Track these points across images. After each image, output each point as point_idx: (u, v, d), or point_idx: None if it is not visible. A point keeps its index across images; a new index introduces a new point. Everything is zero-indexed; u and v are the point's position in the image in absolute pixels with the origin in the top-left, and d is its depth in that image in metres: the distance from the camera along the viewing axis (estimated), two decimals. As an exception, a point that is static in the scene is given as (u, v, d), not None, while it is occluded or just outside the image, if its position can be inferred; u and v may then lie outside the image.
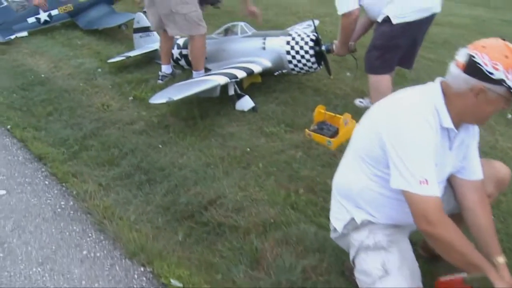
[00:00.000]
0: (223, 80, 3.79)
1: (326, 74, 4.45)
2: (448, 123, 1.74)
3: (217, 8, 4.63)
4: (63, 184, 2.93)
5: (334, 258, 2.33)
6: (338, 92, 4.56)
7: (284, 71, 4.30)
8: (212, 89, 3.76)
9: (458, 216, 1.91)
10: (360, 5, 3.49)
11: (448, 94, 1.74)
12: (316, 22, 5.58)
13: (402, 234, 1.96)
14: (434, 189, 1.65)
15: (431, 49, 6.01)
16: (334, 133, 3.59)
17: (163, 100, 3.40)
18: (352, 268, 1.93)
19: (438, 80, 1.81)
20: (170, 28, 4.23)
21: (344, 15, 3.48)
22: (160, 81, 4.70)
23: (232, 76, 3.88)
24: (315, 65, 4.18)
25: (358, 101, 4.29)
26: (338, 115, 3.68)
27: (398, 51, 3.50)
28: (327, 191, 2.94)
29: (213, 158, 3.26)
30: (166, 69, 4.71)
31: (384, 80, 3.58)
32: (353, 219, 1.97)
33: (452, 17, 8.01)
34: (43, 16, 6.58)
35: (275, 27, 6.87)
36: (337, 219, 2.08)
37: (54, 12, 6.66)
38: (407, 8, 3.31)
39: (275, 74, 4.38)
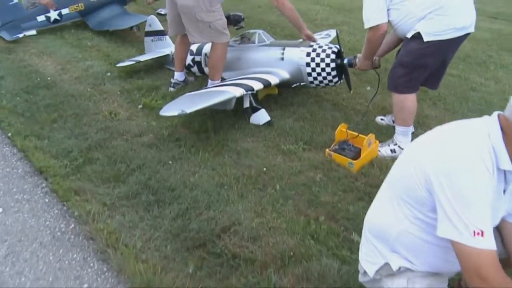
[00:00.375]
0: (238, 91, 3.57)
1: (345, 87, 4.22)
2: (507, 165, 1.51)
3: (240, 28, 4.38)
4: (64, 203, 2.70)
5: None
6: (358, 108, 4.32)
7: (302, 83, 4.06)
8: (227, 101, 3.53)
9: (505, 262, 1.68)
10: (389, 21, 3.25)
11: (507, 130, 1.51)
12: (334, 32, 5.38)
13: (442, 283, 1.74)
14: (490, 242, 1.45)
15: (452, 64, 5.75)
16: (356, 154, 3.36)
17: (175, 113, 3.17)
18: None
19: (495, 114, 1.59)
20: (192, 35, 4.03)
21: (371, 28, 3.25)
22: (172, 89, 4.48)
23: (248, 88, 3.65)
24: (336, 79, 3.95)
25: (379, 119, 4.06)
26: (361, 135, 3.44)
27: (425, 70, 3.27)
28: (349, 219, 2.74)
29: (227, 178, 3.03)
30: (179, 76, 4.50)
31: (409, 99, 3.35)
32: (387, 264, 1.77)
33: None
34: (53, 14, 6.38)
35: (291, 35, 6.66)
36: (369, 262, 1.86)
37: (65, 11, 6.46)
38: (442, 25, 3.07)
39: (293, 86, 4.14)
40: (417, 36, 3.12)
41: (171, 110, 3.25)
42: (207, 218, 2.61)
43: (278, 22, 7.43)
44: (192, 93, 3.78)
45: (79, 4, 6.51)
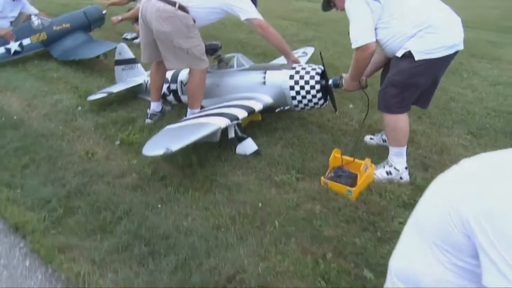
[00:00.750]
0: (223, 122, 3.38)
1: (329, 107, 4.09)
2: None
3: (218, 57, 4.19)
4: (49, 264, 2.42)
5: None
6: (344, 128, 4.21)
7: (286, 107, 3.91)
8: (212, 133, 3.33)
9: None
10: (376, 40, 3.15)
11: None
12: (311, 49, 5.28)
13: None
14: None
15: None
16: (353, 181, 3.23)
17: (160, 152, 2.95)
18: None
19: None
20: (169, 61, 3.83)
21: (359, 48, 3.14)
22: (149, 120, 4.25)
23: (232, 117, 3.47)
24: (322, 101, 3.82)
25: (368, 138, 3.96)
26: (357, 160, 3.31)
27: (417, 89, 3.18)
28: (357, 254, 2.59)
29: (222, 219, 2.83)
30: (155, 106, 4.27)
31: (401, 119, 3.25)
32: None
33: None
34: (13, 46, 6.06)
35: (264, 53, 6.56)
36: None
37: (26, 41, 6.15)
38: (432, 44, 2.99)
39: (276, 111, 3.98)
40: (408, 55, 3.03)
41: (154, 148, 3.03)
42: (209, 268, 2.40)
43: (248, 41, 7.31)
44: (173, 126, 3.57)
45: (41, 34, 6.21)
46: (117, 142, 3.83)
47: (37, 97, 4.87)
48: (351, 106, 4.68)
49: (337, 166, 3.36)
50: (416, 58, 3.01)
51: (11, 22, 6.49)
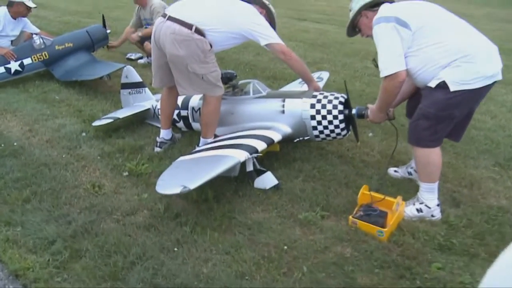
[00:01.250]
0: (242, 155, 3.13)
1: (348, 136, 3.83)
2: None
3: (232, 84, 3.96)
4: (54, 321, 2.14)
5: None
6: (366, 159, 3.97)
7: (306, 138, 3.66)
8: (231, 168, 3.08)
9: None
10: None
11: None
12: (326, 74, 5.07)
13: None
14: None
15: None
16: (383, 220, 2.97)
17: (176, 190, 2.68)
18: None
19: None
20: (182, 87, 3.58)
21: (388, 77, 2.92)
22: (158, 149, 3.99)
23: (251, 150, 3.23)
24: (344, 132, 3.59)
25: (392, 171, 3.72)
26: (388, 198, 3.07)
27: (451, 122, 2.96)
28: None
29: (246, 265, 2.57)
30: (165, 134, 4.02)
31: (434, 153, 3.02)
32: None
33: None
34: (14, 65, 5.81)
35: (274, 76, 6.36)
36: None
37: (27, 61, 5.90)
38: (470, 74, 2.78)
39: (295, 141, 3.74)
40: (442, 85, 2.82)
41: (170, 186, 2.77)
42: (236, 327, 2.12)
43: (256, 63, 7.11)
44: (187, 157, 3.31)
45: (43, 53, 5.97)
46: (125, 173, 3.56)
47: (38, 121, 4.61)
48: (370, 134, 4.45)
49: (366, 204, 3.11)
50: (452, 89, 2.80)
51: (12, 41, 6.25)
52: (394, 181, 3.60)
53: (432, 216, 3.10)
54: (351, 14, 3.28)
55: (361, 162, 3.89)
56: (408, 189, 3.47)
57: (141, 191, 3.32)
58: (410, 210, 3.12)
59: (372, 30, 3.01)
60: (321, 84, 4.62)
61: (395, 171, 3.71)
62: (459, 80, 2.79)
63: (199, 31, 3.39)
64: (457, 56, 2.79)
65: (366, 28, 3.23)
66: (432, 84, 2.87)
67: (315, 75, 4.96)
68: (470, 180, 3.66)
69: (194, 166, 3.07)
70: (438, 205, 3.13)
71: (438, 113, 2.88)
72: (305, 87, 4.51)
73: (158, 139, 4.02)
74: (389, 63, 2.90)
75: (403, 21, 2.86)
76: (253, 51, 7.47)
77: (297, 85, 4.71)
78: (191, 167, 3.05)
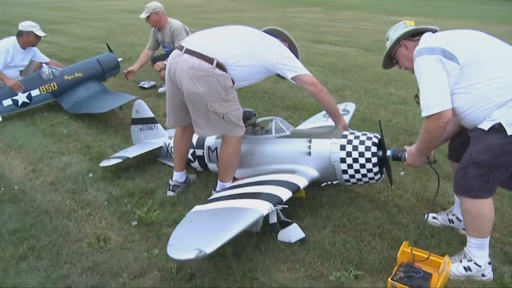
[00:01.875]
0: (265, 208, 2.75)
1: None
2: None
3: (252, 123, 3.62)
4: None
5: None
6: (400, 203, 3.58)
7: (335, 182, 3.29)
8: (253, 223, 2.71)
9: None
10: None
11: None
12: (352, 106, 4.71)
13: None
14: None
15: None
16: (428, 283, 2.57)
17: (191, 256, 2.29)
18: None
19: None
20: (200, 127, 3.23)
21: (431, 116, 2.52)
22: (171, 193, 3.65)
23: (275, 200, 2.84)
24: (378, 176, 3.20)
25: (431, 217, 3.30)
26: (434, 256, 2.67)
27: (507, 170, 2.57)
28: None
29: None
30: (179, 177, 3.68)
31: (485, 205, 2.62)
32: None
33: None
34: (21, 97, 5.58)
35: (294, 106, 6.02)
36: None
37: (35, 92, 5.67)
38: None
39: (322, 185, 3.37)
40: (498, 128, 2.43)
41: (183, 248, 2.39)
42: None
43: (275, 91, 6.79)
44: (203, 207, 2.93)
45: (52, 84, 5.73)
46: (134, 223, 3.22)
47: (43, 159, 4.32)
48: (402, 173, 4.05)
49: (406, 262, 2.71)
50: (510, 133, 2.41)
51: (21, 71, 6.03)
52: (434, 230, 3.21)
53: (483, 275, 2.70)
54: (389, 44, 2.93)
55: (394, 207, 3.49)
56: (450, 240, 3.09)
57: (151, 245, 2.96)
58: (456, 268, 2.73)
59: (413, 63, 2.65)
60: (347, 118, 4.26)
61: (434, 217, 3.32)
62: None
63: (220, 66, 3.06)
64: None
65: (405, 60, 2.88)
66: (485, 126, 2.49)
67: (341, 107, 4.61)
68: (521, 229, 3.24)
69: (210, 221, 2.70)
70: (489, 263, 2.72)
71: (492, 160, 2.49)
72: (329, 121, 4.18)
73: (171, 182, 3.68)
74: (432, 101, 2.52)
75: (450, 53, 2.50)
76: (270, 78, 7.12)
77: (321, 119, 4.34)
78: (208, 222, 2.68)
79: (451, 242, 3.06)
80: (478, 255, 2.70)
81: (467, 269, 2.70)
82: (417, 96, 2.75)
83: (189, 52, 3.09)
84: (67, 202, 3.51)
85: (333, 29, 14.55)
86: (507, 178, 2.65)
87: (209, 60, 3.02)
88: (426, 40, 2.67)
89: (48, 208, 3.39)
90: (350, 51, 10.69)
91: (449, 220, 3.25)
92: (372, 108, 6.02)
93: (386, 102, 6.42)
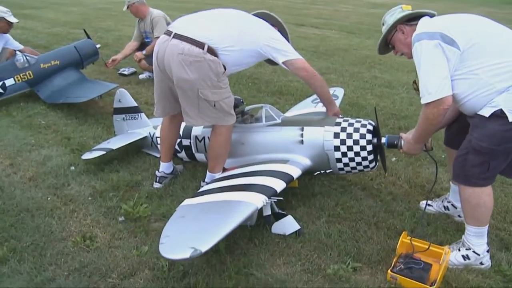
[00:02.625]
0: (259, 200, 2.63)
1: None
2: None
3: (241, 111, 3.50)
4: None
5: None
6: (393, 190, 3.52)
7: (328, 171, 3.19)
8: (248, 217, 2.60)
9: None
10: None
11: None
12: (340, 91, 4.61)
13: None
14: None
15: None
16: (427, 273, 2.52)
17: (185, 255, 2.17)
18: None
19: None
20: (190, 117, 3.07)
21: (431, 103, 2.43)
22: (157, 185, 3.52)
23: (270, 192, 2.73)
24: (373, 164, 3.12)
25: (424, 204, 3.24)
26: (434, 246, 2.61)
27: (508, 157, 2.51)
28: None
29: None
30: (166, 168, 3.54)
31: (485, 193, 2.56)
32: None
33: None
34: (-6, 87, 5.29)
35: (280, 91, 5.89)
36: None
37: (9, 81, 5.39)
38: None
39: (315, 174, 3.28)
40: (499, 114, 2.36)
41: (176, 247, 2.26)
42: None
43: (259, 76, 6.64)
44: (193, 201, 2.79)
45: (27, 72, 5.46)
46: (121, 218, 3.08)
47: (21, 153, 4.11)
48: (393, 159, 4.00)
49: (405, 253, 2.64)
50: (511, 119, 2.33)
51: (-7, 60, 5.76)
52: (429, 218, 3.16)
53: (481, 264, 2.66)
54: (385, 29, 2.82)
55: (388, 195, 3.43)
56: (446, 228, 3.05)
57: (140, 242, 2.83)
58: (455, 257, 2.68)
59: (412, 48, 2.55)
60: (337, 103, 4.15)
61: (429, 205, 3.25)
62: None
63: (211, 51, 2.90)
64: None
65: (401, 45, 2.78)
66: (486, 112, 2.41)
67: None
68: (515, 214, 3.21)
69: (203, 217, 2.57)
70: (487, 251, 2.68)
71: (493, 147, 2.43)
72: (319, 107, 4.07)
73: (157, 173, 3.54)
74: (432, 88, 2.42)
75: (450, 38, 2.40)
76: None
77: (310, 104, 4.23)
78: (200, 218, 2.55)
79: (448, 229, 3.01)
80: (476, 243, 2.65)
81: (465, 257, 2.66)
82: (415, 83, 2.66)
83: (178, 37, 2.92)
84: (48, 198, 3.33)
85: (313, 12, 14.40)
86: (507, 166, 2.58)
87: (200, 45, 2.87)
88: (424, 24, 2.57)
89: (29, 206, 3.21)
90: (331, 33, 10.58)
91: (444, 207, 3.20)
92: (359, 92, 5.94)
93: (372, 85, 6.34)
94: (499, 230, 3.03)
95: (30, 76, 5.47)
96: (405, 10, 2.74)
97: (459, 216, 3.08)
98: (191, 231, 2.39)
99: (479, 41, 2.42)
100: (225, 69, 2.97)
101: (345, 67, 7.30)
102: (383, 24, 2.84)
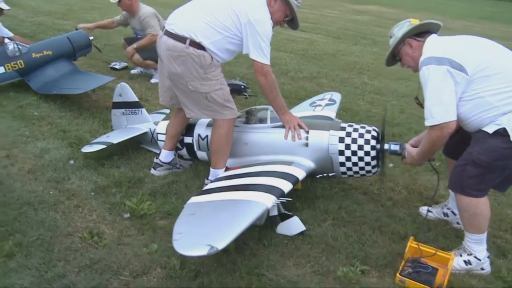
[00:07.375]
0: (268, 200, 2.66)
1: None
2: None
3: (245, 98, 3.56)
4: None
5: None
6: (393, 196, 3.60)
7: (331, 174, 3.25)
8: (259, 216, 2.62)
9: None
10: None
11: None
12: (338, 96, 4.66)
13: None
14: None
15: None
16: (434, 277, 2.60)
17: (203, 252, 2.17)
18: None
19: None
20: (188, 109, 3.20)
21: (436, 126, 2.56)
22: (153, 171, 3.59)
23: (278, 192, 2.76)
24: (375, 169, 3.20)
25: (424, 210, 3.34)
26: (441, 252, 2.69)
27: (503, 173, 2.62)
28: None
29: None
30: (164, 156, 3.59)
31: (482, 203, 2.66)
32: None
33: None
34: (-16, 76, 5.15)
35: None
36: None
37: (0, 70, 5.24)
38: None
39: (317, 177, 3.33)
40: (502, 132, 2.48)
41: (192, 244, 2.27)
42: None
43: (252, 76, 6.51)
44: (201, 199, 2.80)
45: (18, 61, 5.33)
46: (127, 215, 3.05)
47: (17, 144, 4.02)
48: (391, 165, 4.07)
49: (412, 258, 2.72)
50: None
51: (-18, 47, 5.59)
52: (429, 224, 3.25)
53: (482, 269, 2.76)
54: (393, 42, 2.89)
55: (388, 200, 3.51)
56: (446, 234, 3.14)
57: (149, 240, 2.82)
58: (457, 262, 2.77)
59: (420, 70, 2.64)
60: (335, 108, 4.21)
61: (429, 210, 3.33)
62: None
63: (195, 44, 2.98)
64: None
65: (409, 59, 2.86)
66: (489, 129, 2.52)
67: (326, 97, 4.57)
68: (510, 223, 3.33)
69: (215, 215, 2.58)
70: (488, 256, 2.78)
71: (491, 162, 2.54)
72: (317, 111, 4.13)
73: (155, 160, 3.60)
74: (437, 112, 2.53)
75: (458, 64, 2.51)
76: (245, 62, 7.01)
77: (308, 108, 4.28)
78: (213, 216, 2.57)
79: (448, 236, 3.10)
80: (477, 249, 2.75)
81: (467, 262, 2.75)
82: (417, 99, 2.76)
83: (166, 33, 3.08)
84: (50, 192, 3.27)
85: (300, 15, 14.27)
86: (501, 181, 2.70)
87: (183, 40, 2.99)
88: (432, 47, 2.66)
89: (31, 199, 3.15)
90: (318, 38, 10.68)
91: (443, 213, 3.30)
92: (351, 98, 6.03)
93: (363, 92, 6.44)
94: (496, 238, 3.14)
95: (21, 65, 5.34)
96: (413, 23, 2.82)
97: (457, 223, 3.18)
98: (205, 229, 2.41)
99: (487, 66, 2.51)
100: (212, 59, 3.03)
101: (335, 72, 7.39)
102: (390, 37, 2.91)
